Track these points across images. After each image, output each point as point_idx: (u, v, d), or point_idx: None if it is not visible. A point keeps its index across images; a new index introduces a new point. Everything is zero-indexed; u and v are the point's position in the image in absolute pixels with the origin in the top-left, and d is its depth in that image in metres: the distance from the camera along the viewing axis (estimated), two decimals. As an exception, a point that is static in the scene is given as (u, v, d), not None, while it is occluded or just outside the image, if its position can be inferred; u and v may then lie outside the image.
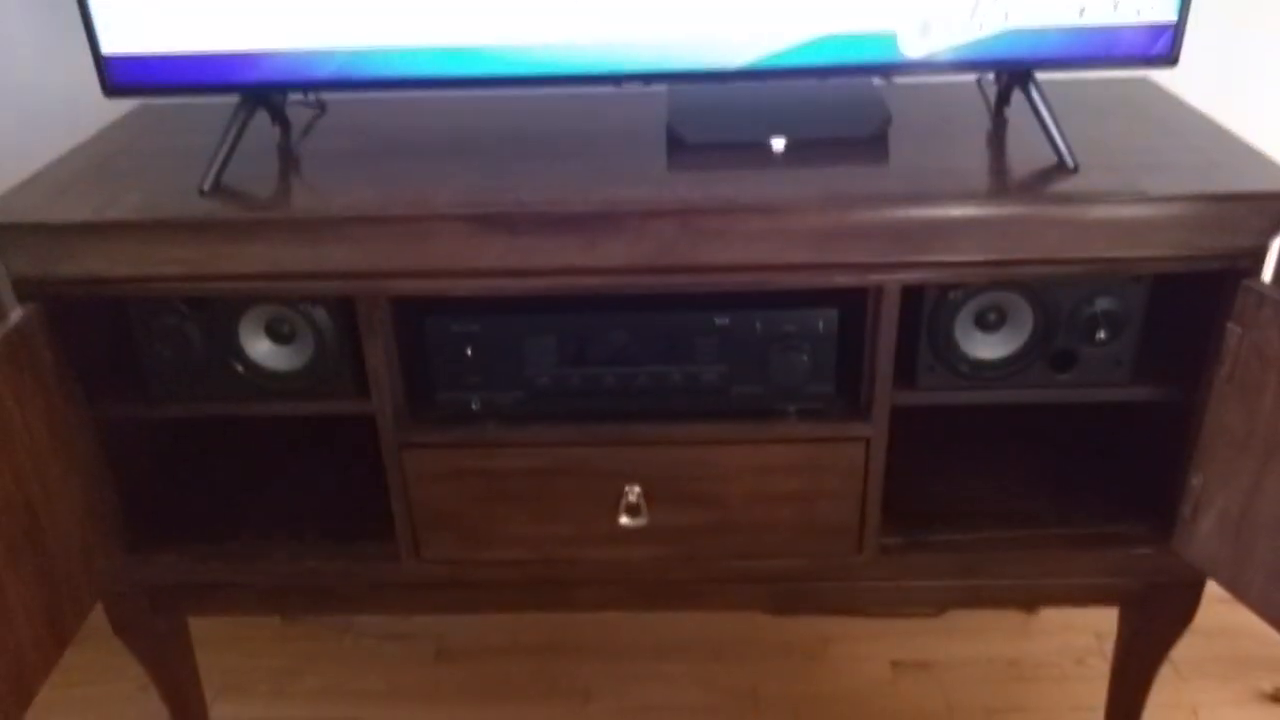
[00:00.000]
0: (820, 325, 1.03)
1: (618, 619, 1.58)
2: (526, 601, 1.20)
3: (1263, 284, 0.95)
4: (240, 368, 1.06)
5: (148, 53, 1.01)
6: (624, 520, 1.09)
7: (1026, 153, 1.05)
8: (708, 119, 1.13)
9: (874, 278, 0.98)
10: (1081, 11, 0.98)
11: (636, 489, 1.08)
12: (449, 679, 1.52)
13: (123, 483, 1.13)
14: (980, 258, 0.97)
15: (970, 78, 1.24)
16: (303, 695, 1.50)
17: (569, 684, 1.50)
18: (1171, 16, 0.98)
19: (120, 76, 1.02)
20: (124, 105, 1.25)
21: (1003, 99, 1.14)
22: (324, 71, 1.02)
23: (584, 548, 1.11)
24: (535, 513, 1.10)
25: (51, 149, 1.14)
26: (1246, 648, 1.49)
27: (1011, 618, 1.58)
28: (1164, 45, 1.00)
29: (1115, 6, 0.98)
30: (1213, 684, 1.46)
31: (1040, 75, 1.03)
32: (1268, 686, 1.44)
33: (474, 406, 1.08)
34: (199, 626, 1.26)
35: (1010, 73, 1.08)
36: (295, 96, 1.16)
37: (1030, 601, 1.51)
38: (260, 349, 1.06)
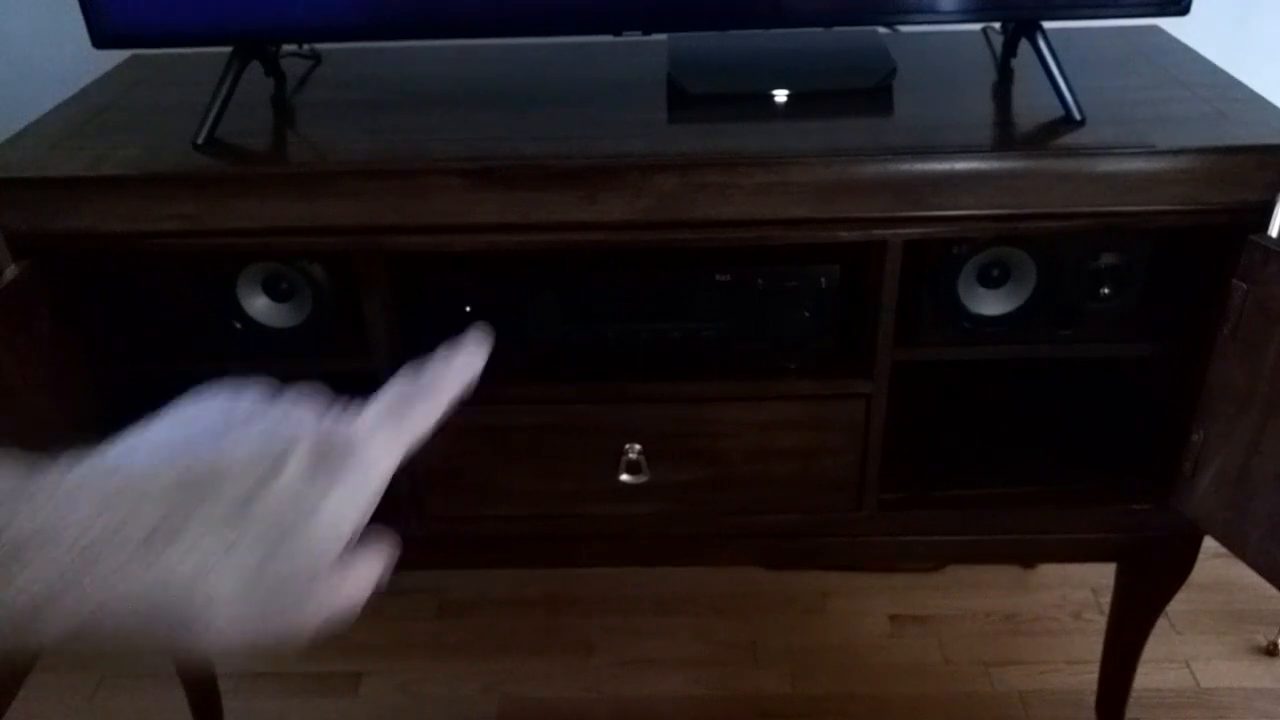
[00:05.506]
0: (822, 281, 1.03)
1: (619, 574, 1.59)
2: (528, 557, 1.21)
3: (1269, 238, 0.94)
4: (239, 325, 1.06)
5: (138, 1, 0.99)
6: (625, 477, 1.09)
7: (1033, 104, 1.03)
8: (709, 70, 1.11)
9: (877, 233, 0.97)
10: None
11: (637, 446, 1.08)
12: (451, 633, 1.53)
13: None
14: (985, 212, 0.96)
15: (976, 27, 1.22)
16: (305, 650, 1.51)
17: (571, 638, 1.51)
18: (1183, -37, 0.96)
19: (110, 27, 1.00)
20: (114, 58, 1.22)
21: (1009, 49, 1.12)
22: (317, 21, 1.00)
23: (585, 504, 1.12)
24: (536, 470, 1.10)
25: (39, 103, 1.12)
26: (1241, 602, 1.51)
27: (1009, 572, 1.59)
28: (1175, -7, 0.98)
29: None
30: (1207, 638, 1.47)
31: (1048, 24, 1.01)
32: (1262, 640, 1.46)
33: (474, 363, 1.07)
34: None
35: (1017, 22, 1.06)
36: (289, 48, 1.14)
37: (1029, 557, 1.52)
38: (259, 306, 1.05)
